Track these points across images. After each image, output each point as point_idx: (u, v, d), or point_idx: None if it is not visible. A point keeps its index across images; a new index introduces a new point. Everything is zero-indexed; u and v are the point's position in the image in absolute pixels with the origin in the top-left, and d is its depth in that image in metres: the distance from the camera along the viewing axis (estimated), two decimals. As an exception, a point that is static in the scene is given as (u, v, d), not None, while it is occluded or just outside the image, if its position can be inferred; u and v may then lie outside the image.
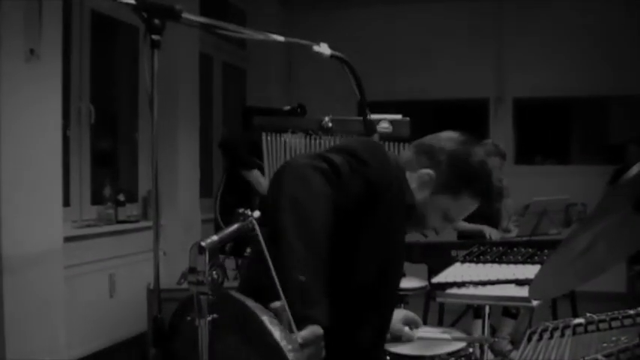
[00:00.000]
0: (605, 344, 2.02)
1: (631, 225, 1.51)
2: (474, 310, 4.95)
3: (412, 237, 4.69)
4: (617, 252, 1.78)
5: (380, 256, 2.01)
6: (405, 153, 2.22)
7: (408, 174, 2.15)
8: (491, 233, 5.58)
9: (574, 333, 2.13)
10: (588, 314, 2.17)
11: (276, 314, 1.52)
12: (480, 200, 2.22)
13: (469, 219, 5.94)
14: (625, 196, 1.43)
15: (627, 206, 1.45)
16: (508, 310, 5.49)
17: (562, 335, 2.14)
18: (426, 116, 9.55)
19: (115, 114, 6.48)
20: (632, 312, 2.12)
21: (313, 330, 1.56)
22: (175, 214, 6.19)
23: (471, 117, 9.59)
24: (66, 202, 5.21)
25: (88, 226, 5.46)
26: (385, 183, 1.95)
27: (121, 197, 5.80)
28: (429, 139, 2.20)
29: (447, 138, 2.19)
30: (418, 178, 2.14)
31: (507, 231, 5.67)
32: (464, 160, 2.14)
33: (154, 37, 1.76)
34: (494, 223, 6.04)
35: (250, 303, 1.49)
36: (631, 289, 7.84)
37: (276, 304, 1.55)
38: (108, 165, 6.31)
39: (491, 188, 2.23)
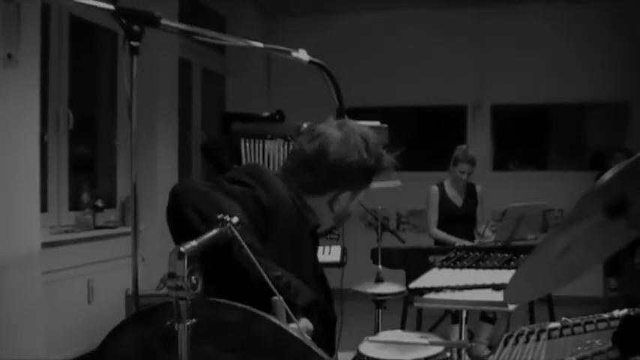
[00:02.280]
0: (579, 348, 2.05)
1: (605, 230, 1.54)
2: (452, 315, 4.97)
3: (391, 243, 4.76)
4: (591, 256, 1.80)
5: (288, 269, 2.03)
6: (302, 178, 2.17)
7: (309, 198, 2.16)
8: (465, 244, 5.63)
9: (549, 337, 2.16)
10: (563, 318, 2.20)
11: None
12: (386, 173, 2.30)
13: (447, 223, 6.00)
14: (598, 201, 1.46)
15: (601, 212, 1.47)
16: (486, 315, 5.53)
17: (538, 339, 2.17)
18: (404, 123, 9.60)
19: (93, 119, 6.45)
20: (606, 316, 2.15)
21: (306, 323, 1.71)
22: (154, 220, 6.17)
23: (449, 124, 9.64)
24: (44, 208, 5.18)
25: (66, 231, 5.43)
26: (273, 204, 1.97)
27: (100, 203, 5.78)
28: (329, 163, 2.14)
29: (337, 148, 2.14)
30: (336, 201, 2.19)
31: (484, 237, 5.72)
32: (365, 160, 2.17)
33: (133, 43, 1.77)
34: (472, 226, 6.10)
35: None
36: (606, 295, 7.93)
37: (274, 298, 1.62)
38: (86, 170, 6.28)
39: (386, 158, 2.26)
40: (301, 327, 1.65)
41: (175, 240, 1.77)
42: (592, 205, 1.46)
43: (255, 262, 1.63)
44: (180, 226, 1.71)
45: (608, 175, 1.37)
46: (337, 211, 2.20)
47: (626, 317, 1.54)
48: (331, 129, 2.13)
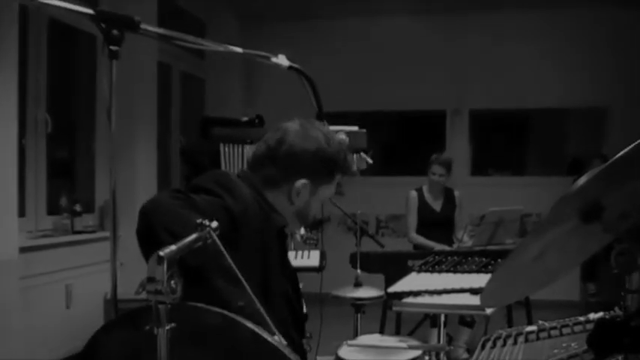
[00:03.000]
0: (556, 350, 2.07)
1: (580, 234, 1.55)
2: (430, 319, 5.00)
3: (370, 247, 4.78)
4: (567, 261, 1.82)
5: (258, 275, 2.04)
6: (265, 172, 2.21)
7: (271, 194, 2.19)
8: (443, 248, 5.67)
9: (526, 340, 2.18)
10: (540, 322, 2.22)
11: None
12: (347, 171, 2.30)
13: (426, 228, 6.03)
14: (573, 206, 1.47)
15: (576, 216, 1.49)
16: (464, 318, 5.56)
17: (515, 342, 2.19)
18: (384, 127, 9.64)
19: (72, 123, 6.42)
20: (582, 319, 2.17)
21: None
22: (133, 225, 6.12)
23: (428, 129, 9.69)
24: (21, 213, 5.15)
25: (44, 236, 5.40)
26: (242, 210, 1.98)
27: (78, 207, 5.74)
28: (286, 150, 2.18)
29: (295, 137, 2.18)
30: (295, 191, 2.19)
31: (462, 242, 5.76)
32: (324, 150, 2.18)
33: (113, 47, 1.76)
34: (450, 231, 6.14)
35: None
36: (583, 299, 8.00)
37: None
38: (64, 175, 6.25)
39: (348, 157, 2.28)
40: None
41: (147, 258, 1.76)
42: (567, 209, 1.48)
43: (232, 264, 1.63)
44: (153, 246, 1.70)
45: (582, 180, 1.39)
46: (298, 206, 2.20)
47: (600, 320, 1.56)
48: (293, 124, 2.17)
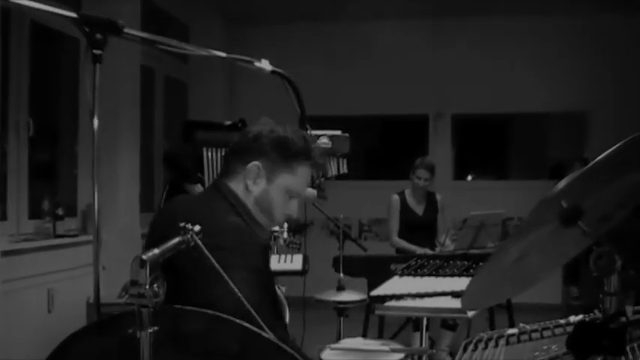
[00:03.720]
0: (536, 353, 2.09)
1: (560, 237, 1.57)
2: (413, 322, 5.02)
3: (353, 251, 4.79)
4: (547, 263, 1.84)
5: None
6: (229, 166, 2.23)
7: (233, 184, 2.19)
8: (426, 252, 5.69)
9: (507, 343, 2.20)
10: (521, 324, 2.24)
11: None
12: (312, 163, 2.26)
13: (409, 231, 6.05)
14: (553, 209, 1.49)
15: (555, 220, 1.51)
16: (447, 322, 5.58)
17: (496, 345, 2.20)
18: (366, 132, 9.66)
19: (54, 127, 6.39)
20: (562, 322, 2.20)
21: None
22: (115, 228, 6.12)
23: (411, 133, 9.73)
24: (3, 216, 5.13)
25: (26, 240, 5.36)
26: (233, 246, 1.97)
27: (60, 211, 5.71)
28: (241, 135, 2.23)
29: (253, 126, 2.23)
30: (249, 174, 2.17)
31: (444, 246, 5.79)
32: (277, 133, 2.18)
33: (96, 51, 1.76)
34: (432, 235, 6.16)
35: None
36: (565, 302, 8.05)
37: None
38: (47, 178, 6.22)
39: (314, 149, 2.26)
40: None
41: None
42: (547, 213, 1.49)
43: (218, 267, 1.65)
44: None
45: (561, 184, 1.41)
46: (255, 193, 2.18)
47: (580, 322, 1.58)
48: (261, 125, 2.19)
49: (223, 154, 2.18)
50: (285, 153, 2.19)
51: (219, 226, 1.99)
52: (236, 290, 1.67)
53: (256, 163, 2.16)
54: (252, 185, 2.17)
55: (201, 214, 1.96)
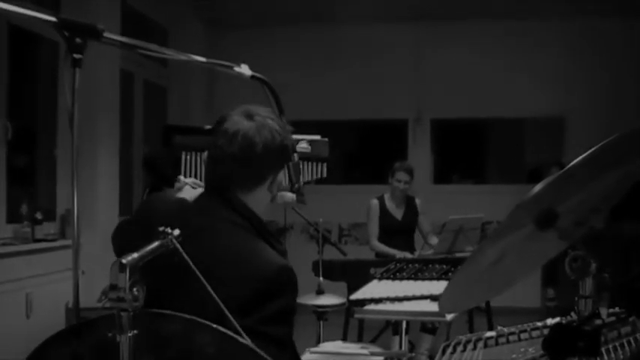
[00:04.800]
0: (514, 355, 2.12)
1: (537, 240, 1.59)
2: (392, 326, 5.04)
3: (333, 255, 4.80)
4: (524, 266, 1.86)
5: None
6: (241, 183, 2.09)
7: (250, 196, 2.09)
8: (405, 255, 5.71)
9: (485, 346, 2.22)
10: (499, 327, 2.26)
11: None
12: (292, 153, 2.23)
13: (388, 235, 6.08)
14: (529, 213, 1.51)
15: (532, 223, 1.53)
16: (426, 325, 5.60)
17: (474, 348, 2.22)
18: (346, 136, 9.69)
19: (32, 130, 6.35)
20: (539, 324, 2.22)
21: None
22: (94, 233, 6.09)
23: (390, 137, 9.76)
24: (-20, 221, 5.10)
25: (4, 244, 5.33)
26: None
27: (39, 215, 5.68)
28: (260, 151, 2.06)
29: (256, 133, 2.07)
30: (277, 183, 2.13)
31: (435, 247, 5.82)
32: (283, 137, 2.10)
33: (76, 55, 1.76)
34: (412, 239, 6.20)
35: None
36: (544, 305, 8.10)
37: None
38: (25, 182, 6.18)
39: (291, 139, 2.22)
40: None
41: None
42: (523, 216, 1.51)
43: (198, 273, 1.65)
44: None
45: (536, 188, 1.43)
46: (274, 192, 2.16)
47: (555, 325, 1.60)
48: (243, 122, 2.08)
49: (204, 158, 2.17)
50: (287, 155, 2.16)
51: (265, 271, 1.91)
52: (216, 299, 1.67)
53: (281, 171, 2.14)
54: (274, 189, 2.13)
55: (234, 249, 1.93)
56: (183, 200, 2.20)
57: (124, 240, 2.15)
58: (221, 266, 1.80)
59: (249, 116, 2.06)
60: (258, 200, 2.09)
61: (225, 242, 1.92)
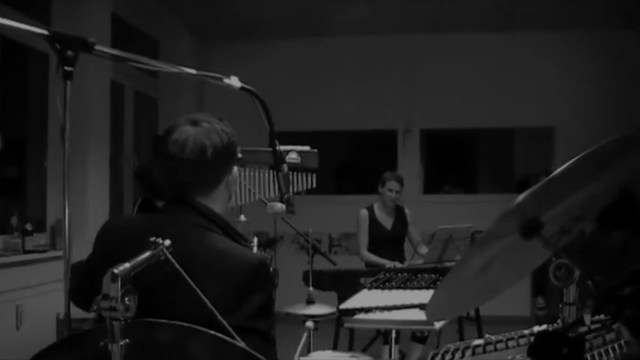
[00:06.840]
0: (501, 363, 2.14)
1: (522, 249, 1.62)
2: (383, 335, 5.06)
3: (323, 265, 4.81)
4: (510, 274, 1.88)
5: None
6: (199, 188, 2.13)
7: (209, 198, 2.12)
8: (395, 265, 5.74)
9: (473, 353, 2.24)
10: (487, 335, 2.28)
11: None
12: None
13: (378, 245, 6.09)
14: (514, 221, 1.54)
15: (517, 231, 1.55)
16: (416, 334, 5.62)
17: (463, 356, 2.24)
18: (335, 147, 9.72)
19: (23, 141, 6.35)
20: (526, 332, 2.24)
21: None
22: (85, 244, 6.06)
23: (379, 148, 9.80)
24: (-30, 232, 5.09)
25: (-6, 256, 5.33)
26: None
27: (29, 226, 5.66)
28: (213, 153, 2.10)
29: (205, 137, 2.11)
30: (232, 180, 2.19)
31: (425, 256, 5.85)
32: (220, 140, 2.13)
33: (67, 68, 1.77)
34: (401, 248, 6.22)
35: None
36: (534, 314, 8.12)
37: None
38: (15, 193, 6.17)
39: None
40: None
41: None
42: (508, 225, 1.54)
43: (188, 279, 1.68)
44: None
45: (521, 197, 1.45)
46: (232, 190, 2.21)
47: (541, 332, 1.63)
48: (190, 129, 2.09)
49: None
50: (235, 151, 2.21)
51: (244, 267, 1.94)
52: (208, 304, 1.69)
53: (235, 168, 2.19)
54: (232, 185, 2.19)
55: (209, 251, 1.96)
56: (149, 215, 2.25)
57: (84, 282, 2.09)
58: (201, 270, 1.82)
59: (195, 122, 2.12)
60: (219, 201, 2.15)
61: (198, 247, 1.95)
